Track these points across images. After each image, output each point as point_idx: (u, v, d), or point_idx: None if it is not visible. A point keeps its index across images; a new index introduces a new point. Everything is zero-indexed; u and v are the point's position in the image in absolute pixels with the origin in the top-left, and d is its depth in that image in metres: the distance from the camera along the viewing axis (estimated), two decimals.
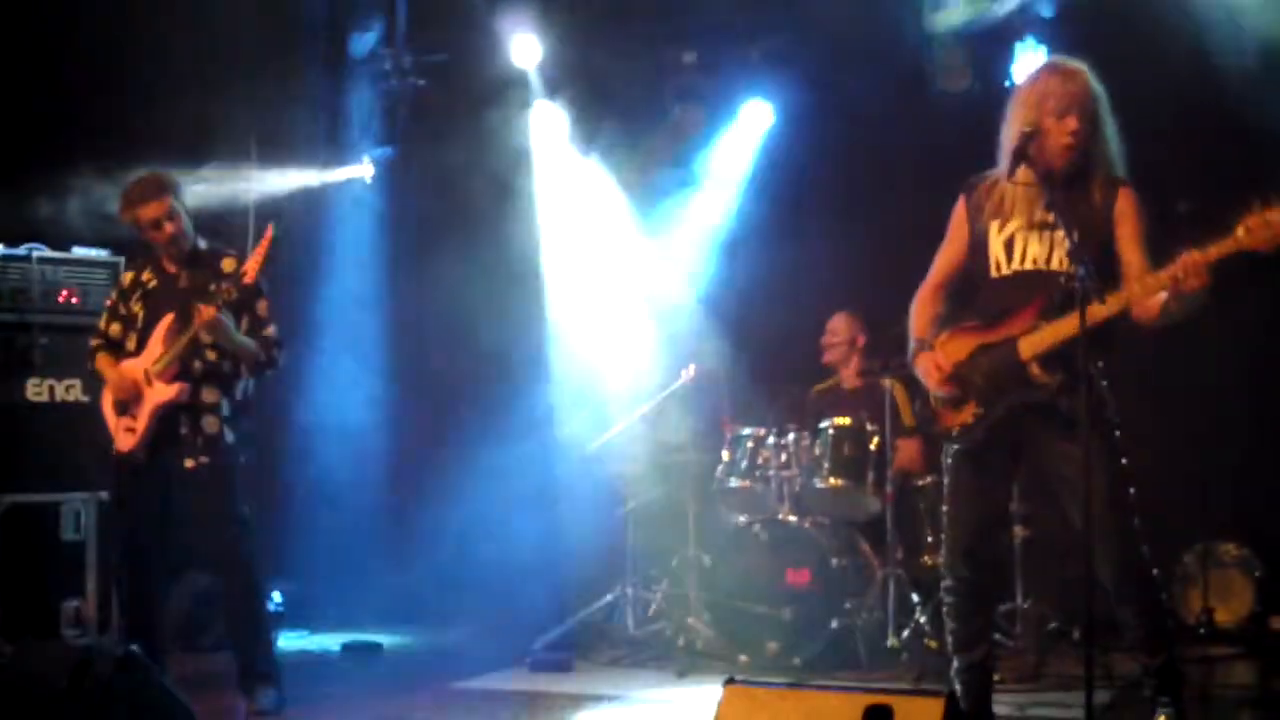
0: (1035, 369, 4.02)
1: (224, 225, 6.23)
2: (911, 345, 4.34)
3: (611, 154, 7.71)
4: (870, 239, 6.97)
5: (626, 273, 7.76)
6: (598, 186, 7.79)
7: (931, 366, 4.22)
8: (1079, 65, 4.14)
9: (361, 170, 7.87)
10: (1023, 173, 4.02)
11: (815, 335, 6.89)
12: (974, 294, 4.32)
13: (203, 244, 5.29)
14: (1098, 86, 4.10)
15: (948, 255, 4.38)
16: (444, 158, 7.58)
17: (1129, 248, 4.05)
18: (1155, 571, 4.11)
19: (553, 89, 7.65)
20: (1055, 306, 3.97)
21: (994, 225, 4.19)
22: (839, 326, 6.82)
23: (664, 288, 7.60)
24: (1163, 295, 3.85)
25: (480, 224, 7.66)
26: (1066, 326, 3.89)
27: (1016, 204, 4.13)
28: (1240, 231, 3.68)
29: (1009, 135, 4.12)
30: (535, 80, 7.62)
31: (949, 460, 4.29)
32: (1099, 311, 3.79)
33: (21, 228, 6.39)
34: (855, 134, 7.09)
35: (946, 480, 4.33)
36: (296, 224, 7.25)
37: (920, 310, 4.38)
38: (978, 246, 4.24)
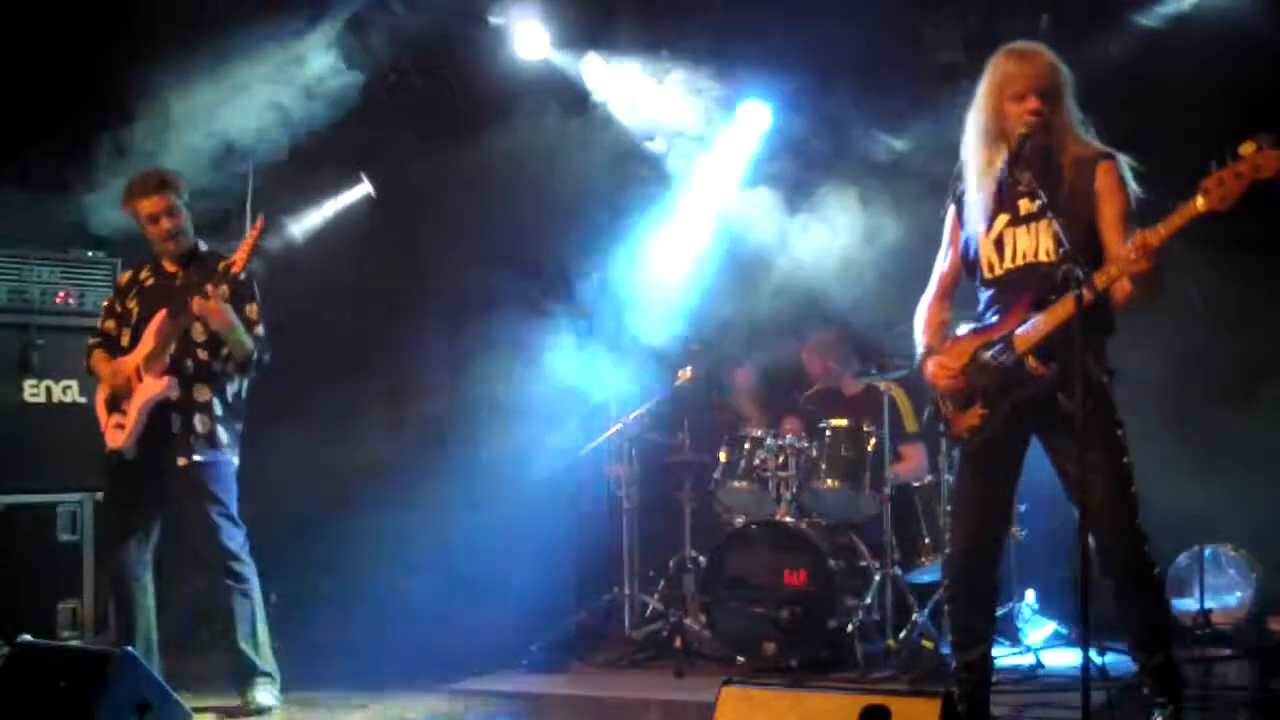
0: (1031, 362, 4.03)
1: (225, 224, 6.21)
2: (919, 353, 4.36)
3: None
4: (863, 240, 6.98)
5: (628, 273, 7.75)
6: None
7: (939, 369, 4.24)
8: (1036, 46, 4.15)
9: (363, 188, 7.86)
10: (992, 167, 4.03)
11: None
12: (972, 296, 4.34)
13: (203, 246, 5.30)
14: (1058, 65, 4.10)
15: (947, 263, 4.40)
16: (447, 163, 7.58)
17: (1109, 230, 4.03)
18: (1156, 571, 4.12)
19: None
20: (1043, 297, 3.98)
21: (981, 229, 4.20)
22: (816, 358, 6.80)
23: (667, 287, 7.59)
24: (1127, 280, 3.85)
25: (489, 225, 7.64)
26: (1056, 315, 3.91)
27: (1000, 201, 4.14)
28: (1199, 198, 3.68)
29: (974, 128, 4.16)
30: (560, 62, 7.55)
31: (957, 461, 4.30)
32: (1075, 302, 3.79)
33: (18, 228, 6.38)
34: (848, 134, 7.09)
35: (953, 480, 4.34)
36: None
37: (928, 319, 4.40)
38: (969, 250, 4.26)
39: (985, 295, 4.27)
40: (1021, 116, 4.04)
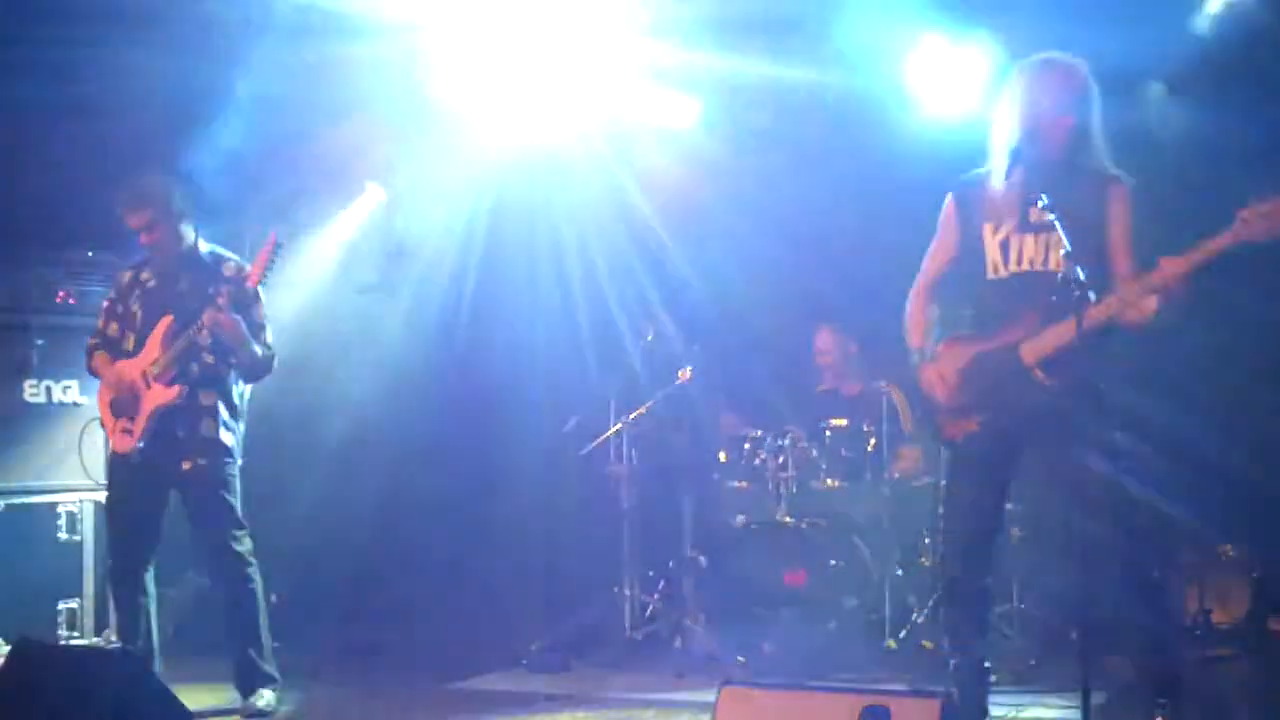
0: (1039, 374, 4.03)
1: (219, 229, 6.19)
2: (912, 356, 4.35)
3: None
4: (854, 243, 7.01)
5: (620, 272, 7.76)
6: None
7: (937, 380, 4.24)
8: (1075, 60, 4.14)
9: (373, 195, 7.88)
10: (1012, 170, 4.04)
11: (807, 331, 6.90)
12: (969, 294, 4.33)
13: (206, 246, 5.29)
14: (1081, 71, 4.11)
15: (939, 255, 4.38)
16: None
17: (1118, 251, 4.06)
18: (1156, 573, 4.12)
19: None
20: (1055, 310, 3.97)
21: (988, 227, 4.20)
22: (827, 344, 6.80)
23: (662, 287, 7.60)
24: (1153, 300, 3.86)
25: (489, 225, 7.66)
26: (1067, 330, 3.90)
27: (1010, 204, 4.14)
28: (1237, 225, 3.69)
29: (1004, 132, 4.14)
30: None
31: (948, 462, 4.30)
32: (1095, 315, 3.81)
33: (18, 228, 6.37)
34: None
35: (945, 482, 4.34)
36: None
37: (915, 316, 4.39)
38: (972, 248, 4.25)
39: (985, 296, 4.25)
40: (1058, 130, 4.05)
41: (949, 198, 4.34)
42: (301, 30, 6.48)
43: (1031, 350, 4.05)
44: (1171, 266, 3.80)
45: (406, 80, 7.20)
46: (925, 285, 4.41)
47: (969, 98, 6.29)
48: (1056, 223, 3.84)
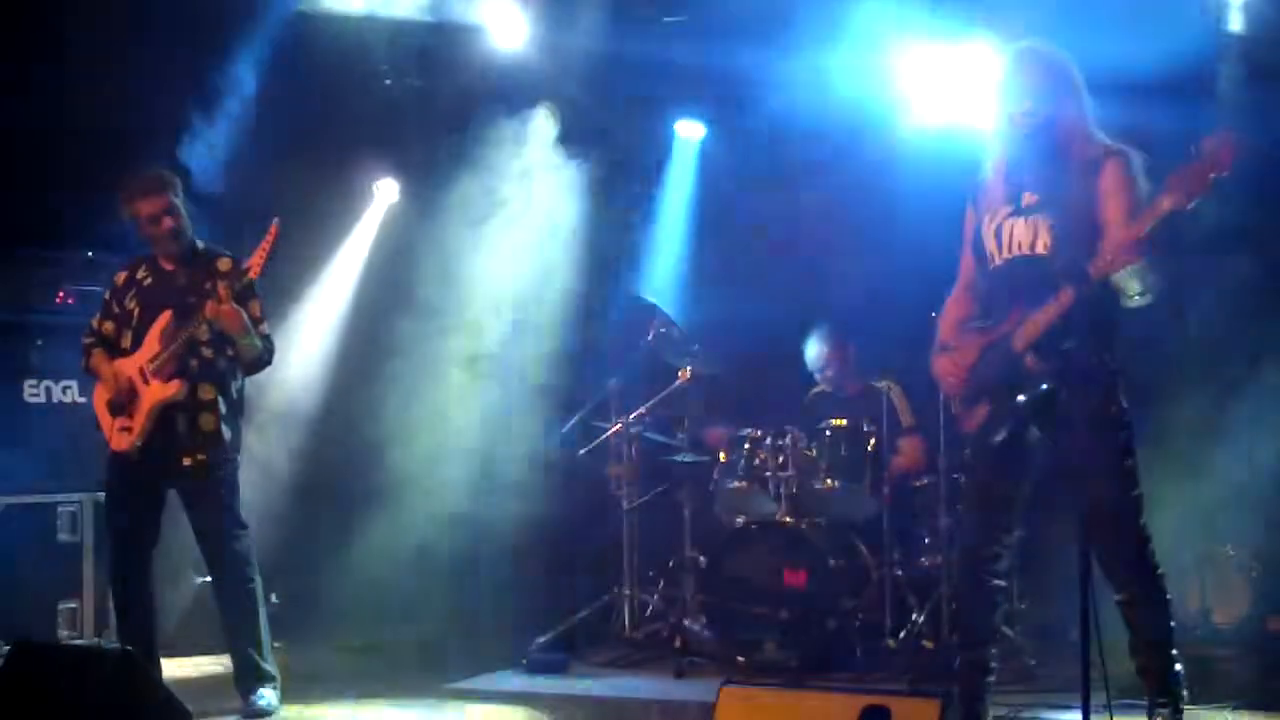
0: (1030, 360, 4.04)
1: (216, 223, 6.20)
2: (935, 347, 4.39)
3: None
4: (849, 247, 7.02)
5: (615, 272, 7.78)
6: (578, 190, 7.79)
7: (948, 371, 4.28)
8: (1036, 46, 4.17)
9: (386, 196, 7.87)
10: (999, 160, 4.08)
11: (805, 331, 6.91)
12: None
13: (200, 244, 5.29)
14: (1059, 64, 4.12)
15: (966, 257, 4.43)
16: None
17: (1113, 225, 3.99)
18: (1159, 572, 4.12)
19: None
20: (1040, 294, 3.99)
21: (986, 218, 4.24)
22: (818, 354, 6.78)
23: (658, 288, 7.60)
24: (1120, 273, 3.88)
25: (480, 224, 7.65)
26: (1049, 313, 3.94)
27: (1002, 192, 4.18)
28: (1162, 192, 3.69)
29: (993, 121, 4.23)
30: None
31: (966, 457, 4.33)
32: (1069, 296, 3.82)
33: (18, 227, 6.37)
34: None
35: (962, 477, 4.36)
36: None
37: (948, 313, 4.45)
38: (977, 242, 4.28)
39: (989, 286, 4.28)
40: (1016, 117, 4.08)
41: (969, 203, 4.37)
42: (301, 27, 6.52)
43: (1020, 337, 4.07)
44: (1118, 236, 3.80)
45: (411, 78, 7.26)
46: (960, 288, 4.45)
47: (961, 104, 6.31)
48: (1041, 205, 3.87)
